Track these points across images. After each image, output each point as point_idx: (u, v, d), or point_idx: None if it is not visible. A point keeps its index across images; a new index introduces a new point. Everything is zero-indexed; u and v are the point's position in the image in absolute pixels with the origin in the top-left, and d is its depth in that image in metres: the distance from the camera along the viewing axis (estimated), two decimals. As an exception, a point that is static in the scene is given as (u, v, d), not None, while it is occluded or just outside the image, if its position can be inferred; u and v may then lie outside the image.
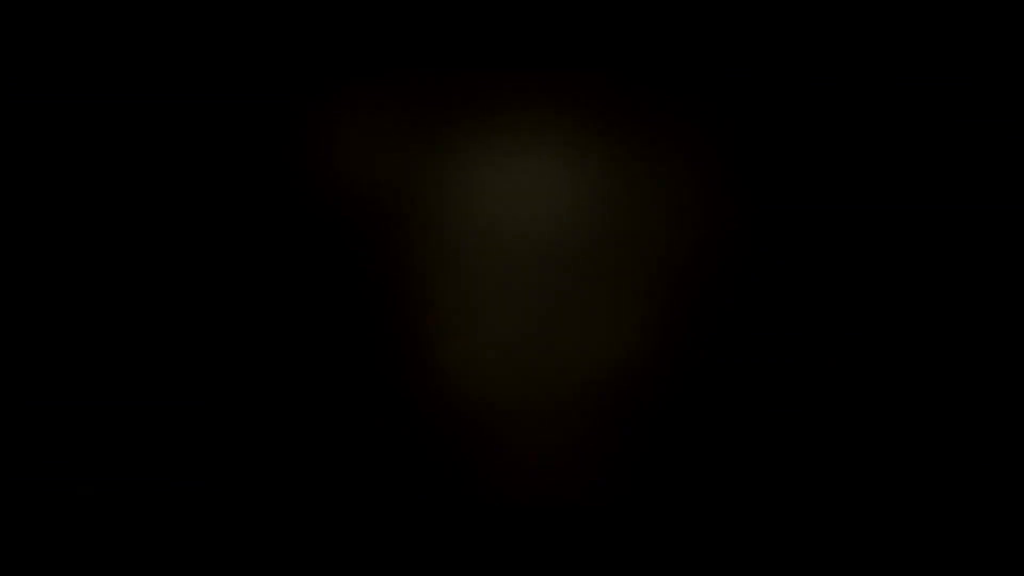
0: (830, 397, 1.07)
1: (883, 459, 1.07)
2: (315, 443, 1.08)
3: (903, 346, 1.07)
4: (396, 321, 1.08)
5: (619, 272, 1.08)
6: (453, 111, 1.09)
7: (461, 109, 1.09)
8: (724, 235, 1.08)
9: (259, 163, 1.09)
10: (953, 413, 1.07)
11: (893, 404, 1.07)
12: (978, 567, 1.05)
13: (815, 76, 1.08)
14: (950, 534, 1.06)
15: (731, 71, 1.09)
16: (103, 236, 1.09)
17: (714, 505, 1.07)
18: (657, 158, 1.08)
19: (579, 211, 1.08)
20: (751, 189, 1.08)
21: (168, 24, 1.09)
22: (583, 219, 1.08)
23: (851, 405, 1.07)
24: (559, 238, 1.08)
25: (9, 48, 1.09)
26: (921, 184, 1.08)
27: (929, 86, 1.08)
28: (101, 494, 1.07)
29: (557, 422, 1.07)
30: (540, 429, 1.07)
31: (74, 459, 1.08)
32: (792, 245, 1.08)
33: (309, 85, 1.10)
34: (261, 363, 1.08)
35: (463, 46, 1.09)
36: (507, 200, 1.08)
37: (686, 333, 1.07)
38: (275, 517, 1.07)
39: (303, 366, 1.08)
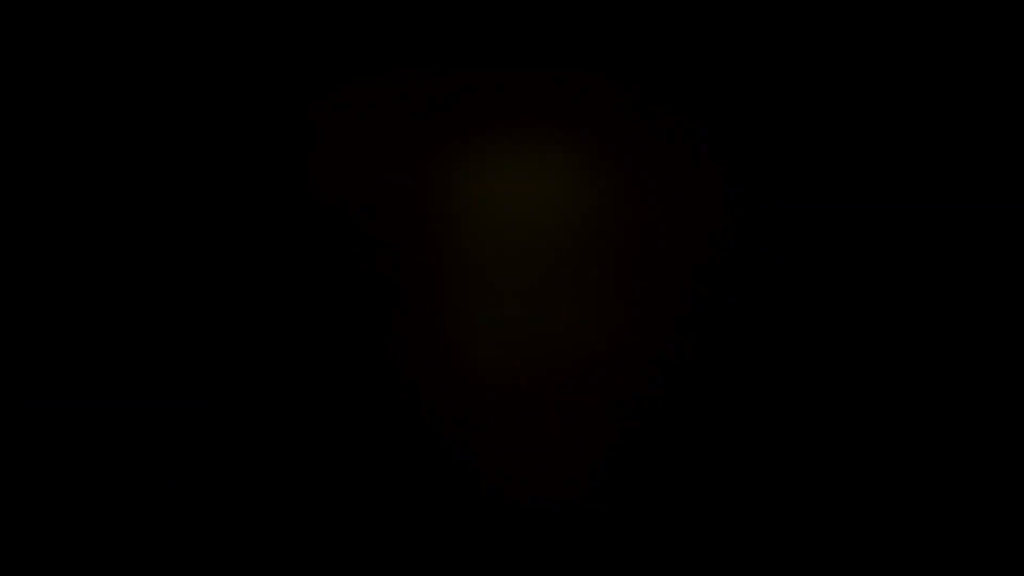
0: (830, 397, 1.07)
1: (883, 459, 1.07)
2: (315, 443, 1.08)
3: (903, 346, 1.07)
4: (395, 321, 1.08)
5: (618, 272, 1.08)
6: (453, 111, 1.09)
7: (461, 109, 1.09)
8: (724, 235, 1.08)
9: (259, 163, 1.09)
10: (953, 413, 1.07)
11: (893, 404, 1.07)
12: (978, 567, 1.05)
13: (815, 76, 1.08)
14: (950, 534, 1.06)
15: (731, 71, 1.09)
16: (103, 236, 1.09)
17: (714, 505, 1.07)
18: (657, 158, 1.08)
19: (579, 211, 1.08)
20: (751, 189, 1.08)
21: (168, 24, 1.09)
22: (583, 219, 1.08)
23: (851, 405, 1.07)
24: (559, 237, 1.08)
25: (9, 48, 1.09)
26: (921, 184, 1.08)
27: (929, 86, 1.08)
28: (101, 494, 1.07)
29: (557, 422, 1.07)
30: (540, 429, 1.07)
31: (74, 459, 1.08)
32: (792, 245, 1.08)
33: (309, 85, 1.10)
34: (261, 363, 1.08)
35: (463, 46, 1.09)
36: (507, 199, 1.08)
37: (686, 333, 1.07)
38: (275, 517, 1.07)
39: (303, 366, 1.08)
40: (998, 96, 1.08)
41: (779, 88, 1.09)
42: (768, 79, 1.09)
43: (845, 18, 1.08)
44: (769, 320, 1.08)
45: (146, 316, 1.08)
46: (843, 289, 1.08)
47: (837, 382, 1.07)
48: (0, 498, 1.07)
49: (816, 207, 1.08)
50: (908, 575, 1.06)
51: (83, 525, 1.07)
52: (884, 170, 1.08)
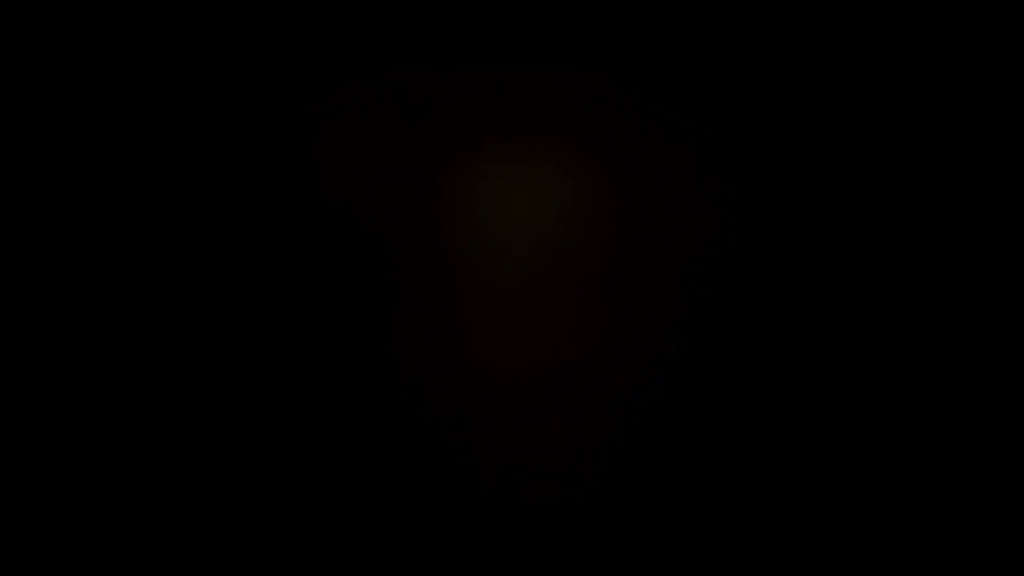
0: (830, 397, 1.07)
1: (883, 459, 1.07)
2: (315, 444, 1.08)
3: (903, 346, 1.07)
4: (395, 320, 1.08)
5: (618, 272, 1.08)
6: (453, 111, 1.09)
7: (461, 109, 1.09)
8: (724, 235, 1.08)
9: (259, 163, 1.09)
10: (953, 413, 1.07)
11: (893, 404, 1.07)
12: (978, 567, 1.05)
13: (815, 76, 1.08)
14: (950, 534, 1.06)
15: (731, 71, 1.09)
16: (103, 236, 1.09)
17: (714, 505, 1.07)
18: (657, 158, 1.08)
19: (578, 211, 1.08)
20: (751, 189, 1.08)
21: (168, 24, 1.09)
22: (582, 219, 1.08)
23: (851, 405, 1.07)
24: (558, 238, 1.08)
25: (9, 48, 1.09)
26: (921, 184, 1.08)
27: (929, 86, 1.08)
28: (101, 494, 1.07)
29: (557, 422, 1.07)
30: (540, 429, 1.07)
31: (74, 459, 1.08)
32: (792, 245, 1.08)
33: (309, 85, 1.10)
34: (261, 364, 1.08)
35: (462, 46, 1.09)
36: (506, 199, 1.08)
37: (686, 333, 1.07)
38: (274, 517, 1.07)
39: (304, 367, 1.08)
40: (998, 96, 1.08)
41: (779, 88, 1.09)
42: (768, 79, 1.09)
43: (845, 18, 1.08)
44: (769, 320, 1.08)
45: (147, 316, 1.08)
46: (843, 289, 1.08)
47: (837, 382, 1.07)
48: (0, 498, 1.07)
49: (816, 207, 1.08)
50: (908, 575, 1.06)
51: (83, 525, 1.07)
52: (884, 170, 1.08)
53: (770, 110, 1.09)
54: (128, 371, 1.08)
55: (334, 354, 1.08)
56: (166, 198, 1.09)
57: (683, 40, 1.09)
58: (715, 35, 1.09)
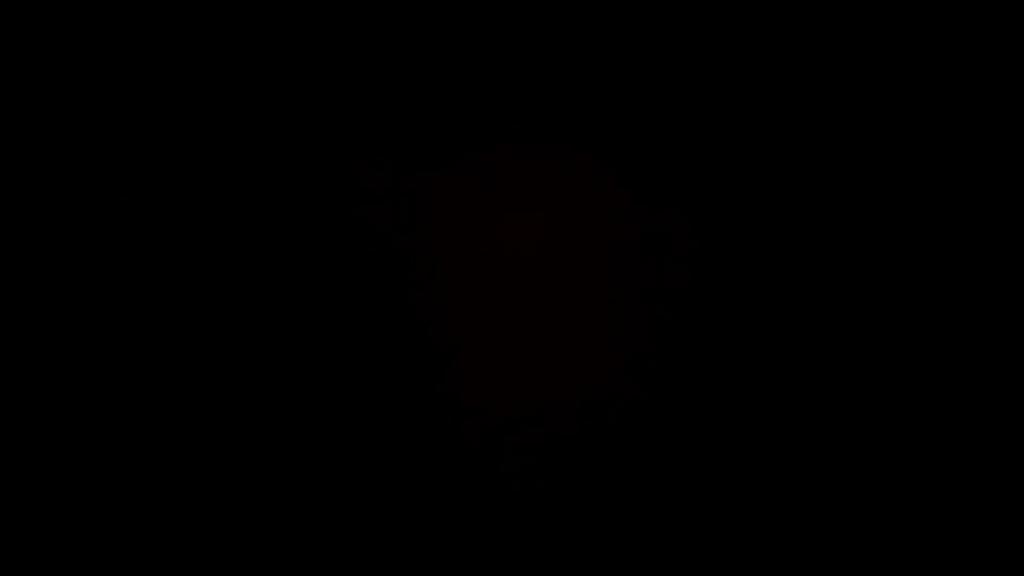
0: (830, 398, 1.07)
1: (882, 460, 1.07)
2: (315, 444, 1.08)
3: (903, 347, 1.07)
4: (395, 324, 1.08)
5: (616, 274, 1.08)
6: (449, 116, 1.09)
7: (457, 115, 1.09)
8: (722, 238, 1.08)
9: (259, 165, 1.09)
10: (953, 413, 1.07)
11: (893, 405, 1.07)
12: (978, 567, 1.05)
13: (815, 80, 1.09)
14: (950, 534, 1.06)
15: (727, 76, 1.09)
16: (103, 237, 1.09)
17: (712, 506, 1.07)
18: (654, 163, 1.09)
19: (577, 215, 1.08)
20: (749, 192, 1.09)
21: (169, 25, 1.10)
22: (581, 223, 1.08)
23: (850, 407, 1.07)
24: (557, 241, 1.08)
25: (9, 48, 1.09)
26: (921, 187, 1.08)
27: (928, 90, 1.08)
28: (102, 493, 1.07)
29: (555, 424, 1.07)
30: (539, 430, 1.07)
31: (74, 459, 1.07)
32: (791, 247, 1.08)
33: (309, 87, 1.10)
34: (262, 365, 1.08)
35: (460, 52, 1.10)
36: (505, 204, 1.08)
37: (684, 335, 1.08)
38: (274, 517, 1.07)
39: (304, 369, 1.08)
40: (996, 103, 1.08)
41: (774, 94, 1.09)
42: (763, 85, 1.09)
43: (844, 22, 1.09)
44: (768, 322, 1.08)
45: (147, 317, 1.08)
46: (842, 291, 1.08)
47: (837, 383, 1.07)
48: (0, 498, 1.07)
49: (815, 209, 1.08)
50: (908, 575, 1.06)
51: (83, 525, 1.07)
52: (884, 172, 1.08)
53: (765, 116, 1.09)
54: (128, 371, 1.08)
55: (334, 357, 1.08)
56: (167, 200, 1.09)
57: (679, 45, 1.09)
58: (711, 40, 1.09)
